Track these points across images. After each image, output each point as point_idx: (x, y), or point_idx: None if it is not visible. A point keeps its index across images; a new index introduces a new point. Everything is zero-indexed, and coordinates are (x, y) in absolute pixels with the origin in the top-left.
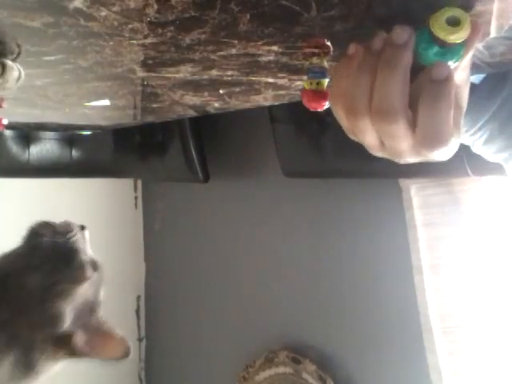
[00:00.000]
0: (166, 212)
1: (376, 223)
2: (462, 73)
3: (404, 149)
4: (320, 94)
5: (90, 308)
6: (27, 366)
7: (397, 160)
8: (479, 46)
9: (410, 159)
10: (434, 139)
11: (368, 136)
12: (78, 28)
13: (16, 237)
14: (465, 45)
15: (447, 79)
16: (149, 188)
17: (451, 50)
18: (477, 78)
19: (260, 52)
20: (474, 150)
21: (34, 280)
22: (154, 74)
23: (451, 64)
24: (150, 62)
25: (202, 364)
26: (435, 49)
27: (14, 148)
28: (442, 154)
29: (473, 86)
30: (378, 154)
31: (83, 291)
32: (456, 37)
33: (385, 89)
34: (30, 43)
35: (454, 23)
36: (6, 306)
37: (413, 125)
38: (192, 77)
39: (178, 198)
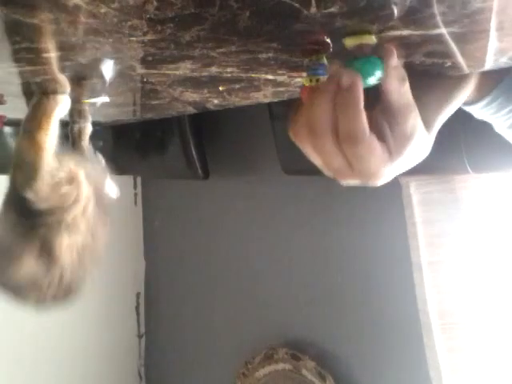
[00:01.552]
0: (165, 209)
1: (375, 220)
2: (394, 87)
3: (374, 168)
4: None
5: None
6: None
7: (366, 183)
8: (506, 60)
9: (351, 180)
10: (347, 138)
11: (335, 159)
12: (78, 25)
13: None
14: (380, 60)
15: (351, 87)
16: (148, 185)
17: (367, 62)
18: None
19: (259, 49)
20: (497, 129)
21: None
22: (153, 71)
23: (371, 78)
24: (150, 58)
25: (202, 360)
26: (355, 63)
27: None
28: (365, 159)
29: (508, 71)
30: (347, 180)
31: None
32: (349, 42)
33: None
34: (29, 40)
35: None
36: None
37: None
38: (191, 74)
39: (178, 195)
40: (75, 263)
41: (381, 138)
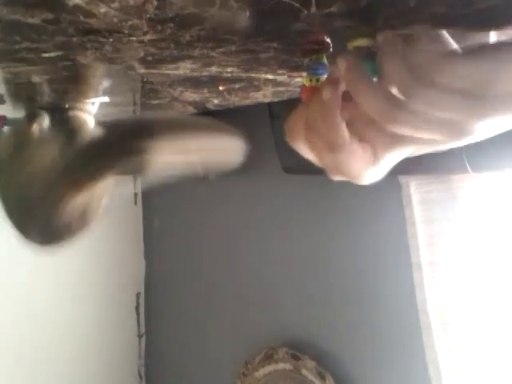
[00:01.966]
0: (165, 209)
1: (375, 220)
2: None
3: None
4: None
5: None
6: None
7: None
8: None
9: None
10: (326, 145)
11: (325, 156)
12: (78, 25)
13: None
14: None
15: (328, 101)
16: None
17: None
18: None
19: (259, 49)
20: None
21: None
22: (153, 71)
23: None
24: (150, 58)
25: (202, 360)
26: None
27: None
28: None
29: None
30: (336, 177)
31: None
32: (349, 44)
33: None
34: (29, 40)
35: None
36: None
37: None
38: (191, 74)
39: (178, 195)
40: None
41: (365, 137)
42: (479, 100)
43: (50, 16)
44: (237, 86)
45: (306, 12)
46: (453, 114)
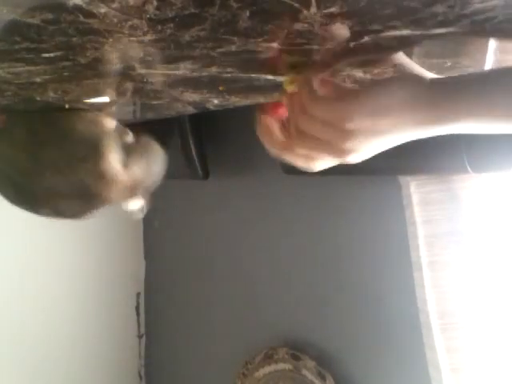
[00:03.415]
0: (165, 209)
1: (375, 220)
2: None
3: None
4: None
5: None
6: None
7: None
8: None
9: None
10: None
11: None
12: (78, 25)
13: (17, 232)
14: None
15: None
16: None
17: None
18: None
19: (259, 49)
20: None
21: None
22: (153, 71)
23: None
24: (150, 58)
25: (202, 361)
26: None
27: None
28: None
29: None
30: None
31: None
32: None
33: None
34: (29, 40)
35: None
36: None
37: None
38: (191, 74)
39: (178, 196)
40: None
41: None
42: (339, 131)
43: (49, 16)
44: (237, 86)
45: (305, 12)
46: (324, 136)
